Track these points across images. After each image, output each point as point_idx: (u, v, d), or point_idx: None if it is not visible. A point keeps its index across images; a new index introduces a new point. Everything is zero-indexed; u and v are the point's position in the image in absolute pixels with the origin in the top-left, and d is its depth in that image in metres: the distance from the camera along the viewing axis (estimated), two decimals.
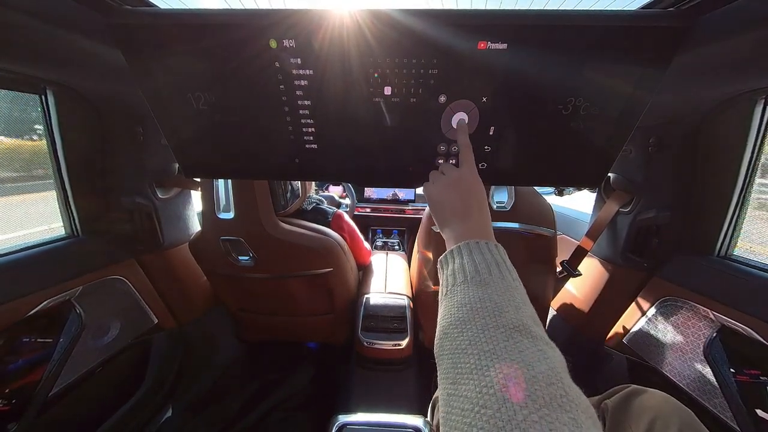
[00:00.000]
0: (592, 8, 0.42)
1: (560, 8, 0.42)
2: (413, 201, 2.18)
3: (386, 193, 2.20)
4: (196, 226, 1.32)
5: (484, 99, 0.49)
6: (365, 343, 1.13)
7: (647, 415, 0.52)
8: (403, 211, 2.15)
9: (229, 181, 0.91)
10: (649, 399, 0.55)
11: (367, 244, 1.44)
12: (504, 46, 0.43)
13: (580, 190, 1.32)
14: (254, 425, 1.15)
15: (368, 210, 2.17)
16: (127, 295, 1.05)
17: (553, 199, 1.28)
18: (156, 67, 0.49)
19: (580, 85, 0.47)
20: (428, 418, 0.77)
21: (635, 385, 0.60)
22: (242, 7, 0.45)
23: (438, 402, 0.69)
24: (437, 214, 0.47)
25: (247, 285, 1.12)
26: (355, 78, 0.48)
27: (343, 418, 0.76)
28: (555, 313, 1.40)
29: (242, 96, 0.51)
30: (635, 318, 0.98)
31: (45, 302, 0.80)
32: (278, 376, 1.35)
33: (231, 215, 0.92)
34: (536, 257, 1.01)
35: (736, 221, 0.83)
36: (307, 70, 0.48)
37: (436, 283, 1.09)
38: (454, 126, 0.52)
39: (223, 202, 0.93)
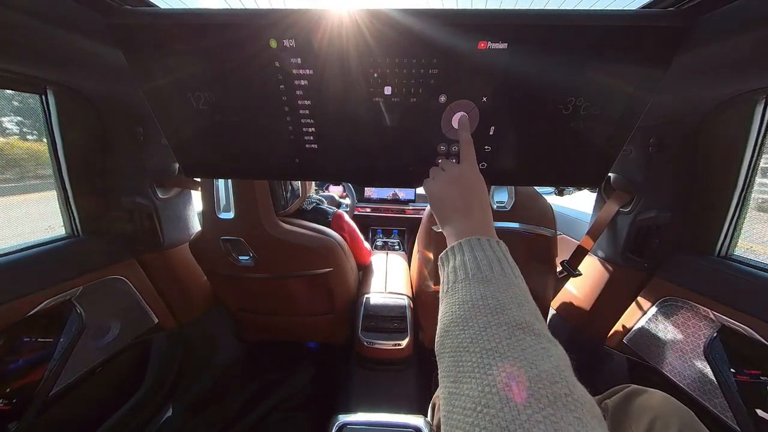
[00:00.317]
0: (592, 8, 0.42)
1: (560, 8, 0.42)
2: (413, 201, 2.18)
3: (386, 193, 2.20)
4: (196, 226, 1.32)
5: (485, 99, 0.49)
6: (365, 343, 1.13)
7: (647, 415, 0.52)
8: (403, 211, 2.15)
9: (229, 181, 0.91)
10: (649, 399, 0.55)
11: (367, 244, 1.44)
12: (504, 45, 0.43)
13: (580, 190, 1.32)
14: (254, 425, 1.15)
15: (368, 210, 2.17)
16: (128, 295, 1.05)
17: (553, 199, 1.28)
18: (156, 66, 0.49)
19: (581, 85, 0.47)
20: (428, 418, 0.77)
21: (635, 385, 0.60)
22: (242, 7, 0.45)
23: (438, 401, 0.70)
24: (438, 211, 0.47)
25: (247, 285, 1.12)
26: (355, 78, 0.48)
27: (343, 418, 0.76)
28: (555, 313, 1.40)
29: (242, 96, 0.51)
30: (635, 318, 0.98)
31: (45, 302, 0.80)
32: (278, 376, 1.35)
33: (231, 215, 0.92)
34: (536, 257, 1.01)
35: (737, 221, 0.83)
36: (307, 70, 0.48)
37: (437, 283, 1.10)
38: (455, 126, 0.52)
39: (223, 202, 0.93)
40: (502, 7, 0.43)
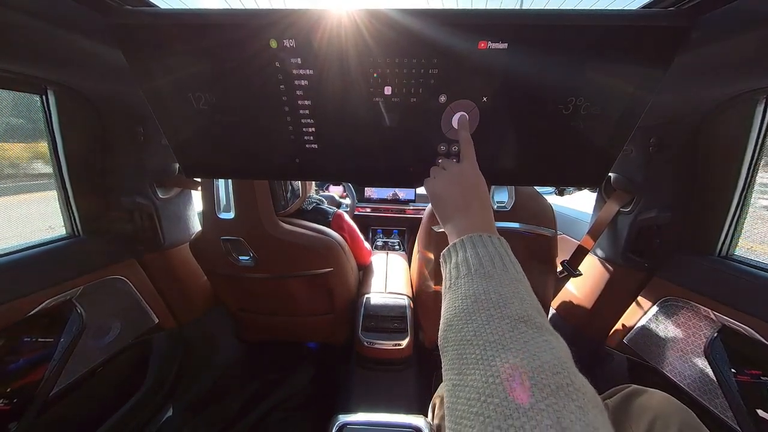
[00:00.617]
0: (593, 8, 0.42)
1: (560, 8, 0.42)
2: (413, 201, 2.18)
3: (386, 193, 2.20)
4: (196, 226, 1.32)
5: (485, 99, 0.49)
6: (365, 343, 1.13)
7: (647, 415, 0.52)
8: (403, 211, 2.15)
9: (230, 181, 0.91)
10: (650, 399, 0.55)
11: (367, 244, 1.44)
12: (504, 45, 0.43)
13: (580, 189, 1.32)
14: (254, 425, 1.15)
15: (368, 210, 2.17)
16: (128, 295, 1.05)
17: (553, 199, 1.28)
18: (156, 67, 0.49)
19: (581, 85, 0.46)
20: (428, 418, 0.77)
21: (636, 385, 0.60)
22: (242, 7, 0.45)
23: (437, 402, 0.70)
24: (439, 209, 0.47)
25: (248, 285, 1.12)
26: (356, 78, 0.48)
27: (343, 418, 0.76)
28: (555, 312, 1.40)
29: (242, 96, 0.51)
30: (636, 318, 0.98)
31: (46, 302, 0.80)
32: (278, 376, 1.34)
33: (231, 215, 0.93)
34: (536, 257, 1.01)
35: (737, 221, 0.83)
36: (308, 70, 0.48)
37: (437, 283, 1.10)
38: (455, 126, 0.52)
39: (223, 202, 0.93)
40: (502, 7, 0.43)
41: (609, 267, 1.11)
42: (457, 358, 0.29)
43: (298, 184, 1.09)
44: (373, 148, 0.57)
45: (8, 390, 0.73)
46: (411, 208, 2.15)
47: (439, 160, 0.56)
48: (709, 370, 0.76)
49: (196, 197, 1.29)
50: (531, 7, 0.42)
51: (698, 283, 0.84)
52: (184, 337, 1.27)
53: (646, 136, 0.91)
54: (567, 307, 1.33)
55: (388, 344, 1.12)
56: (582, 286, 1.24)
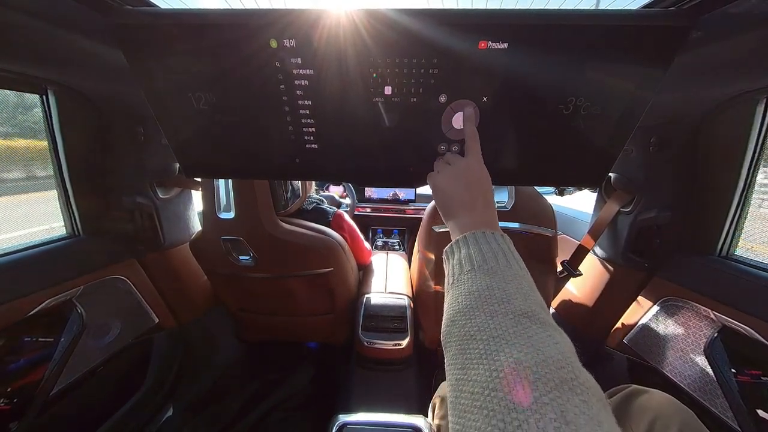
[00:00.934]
0: (593, 8, 0.42)
1: (561, 8, 0.42)
2: (413, 201, 2.18)
3: (386, 193, 2.20)
4: (196, 225, 1.32)
5: (485, 99, 0.49)
6: (365, 343, 1.13)
7: (648, 416, 0.52)
8: (403, 211, 2.15)
9: (230, 180, 0.91)
10: (650, 399, 0.55)
11: (367, 244, 1.44)
12: (504, 45, 0.43)
13: (580, 189, 1.32)
14: (254, 425, 1.15)
15: (368, 210, 2.17)
16: (128, 294, 1.05)
17: (553, 199, 1.28)
18: (157, 66, 0.49)
19: (581, 85, 0.46)
20: (428, 418, 0.77)
21: (636, 385, 0.60)
22: (243, 7, 0.45)
23: (437, 402, 0.70)
24: (442, 205, 0.46)
25: (248, 285, 1.12)
26: (356, 78, 0.48)
27: (343, 418, 0.76)
28: (555, 313, 1.40)
29: (243, 96, 0.51)
30: (636, 318, 0.98)
31: (46, 302, 0.80)
32: (278, 376, 1.35)
33: (231, 215, 0.93)
34: (537, 257, 1.01)
35: (737, 221, 0.83)
36: (308, 70, 0.48)
37: (437, 282, 1.10)
38: (455, 126, 0.52)
39: (223, 201, 0.93)
40: (502, 7, 0.43)
41: (609, 267, 1.11)
42: (460, 353, 0.29)
43: (298, 184, 1.09)
44: (373, 148, 0.57)
45: (8, 390, 0.73)
46: (411, 208, 2.15)
47: (443, 156, 0.56)
48: (709, 370, 0.76)
49: (196, 197, 1.29)
50: (531, 7, 0.42)
51: (698, 283, 0.84)
52: (184, 337, 1.27)
53: (647, 135, 0.91)
54: (567, 307, 1.33)
55: (388, 344, 1.12)
56: (582, 286, 1.23)
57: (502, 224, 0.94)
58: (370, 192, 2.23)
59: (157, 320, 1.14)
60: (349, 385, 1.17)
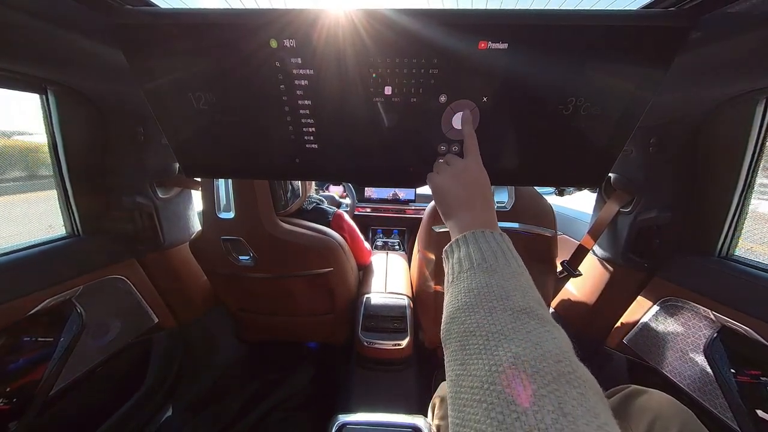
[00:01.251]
0: (593, 8, 0.42)
1: (561, 8, 0.42)
2: (413, 201, 2.18)
3: (386, 193, 2.20)
4: (196, 225, 1.32)
5: (485, 99, 0.49)
6: (365, 343, 1.13)
7: (647, 416, 0.52)
8: (403, 211, 2.15)
9: (230, 180, 0.91)
10: (650, 399, 0.55)
11: (367, 244, 1.44)
12: (504, 46, 0.43)
13: (580, 190, 1.32)
14: (254, 425, 1.15)
15: (368, 210, 2.17)
16: (128, 294, 1.05)
17: (553, 199, 1.28)
18: (157, 66, 0.49)
19: (581, 85, 0.46)
20: (428, 418, 0.77)
21: (635, 386, 0.60)
22: (243, 7, 0.45)
23: (436, 402, 0.70)
24: (442, 205, 0.47)
25: (248, 285, 1.12)
26: (356, 78, 0.48)
27: (343, 418, 0.76)
28: (555, 313, 1.40)
29: (243, 96, 0.51)
30: (636, 318, 0.98)
31: (46, 301, 0.80)
32: (278, 376, 1.35)
33: (231, 215, 0.93)
34: (536, 257, 1.01)
35: (737, 221, 0.83)
36: (308, 70, 0.48)
37: (437, 282, 1.10)
38: (455, 126, 0.52)
39: (223, 201, 0.93)
40: (502, 7, 0.43)
41: (609, 267, 1.11)
42: (460, 349, 0.29)
43: (298, 184, 1.09)
44: (374, 148, 0.57)
45: (8, 389, 0.73)
46: (411, 208, 2.15)
47: (440, 161, 0.56)
48: (708, 371, 0.76)
49: (196, 197, 1.29)
50: (531, 7, 0.42)
51: (698, 284, 0.84)
52: (184, 336, 1.27)
53: (647, 136, 0.91)
54: (567, 307, 1.33)
55: (388, 344, 1.12)
56: (582, 286, 1.24)
57: (502, 224, 0.95)
58: (370, 192, 2.23)
59: (156, 320, 1.14)
60: (349, 385, 1.17)
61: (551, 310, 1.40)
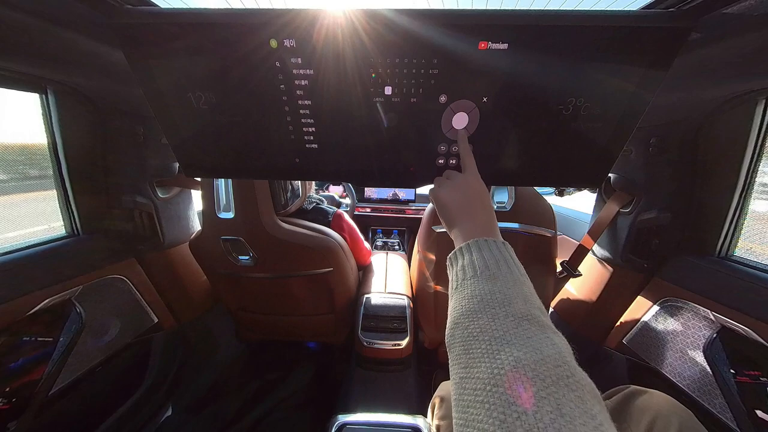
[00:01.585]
0: (593, 9, 0.42)
1: (561, 8, 0.42)
2: (413, 201, 2.18)
3: (386, 193, 2.20)
4: (196, 225, 1.32)
5: (485, 99, 0.49)
6: (365, 343, 1.13)
7: (647, 416, 0.52)
8: (403, 211, 2.15)
9: (229, 180, 0.91)
10: (649, 400, 0.55)
11: (367, 244, 1.44)
12: (505, 46, 0.43)
13: (580, 190, 1.32)
14: (254, 425, 1.15)
15: (368, 210, 2.17)
16: (128, 294, 1.05)
17: (553, 200, 1.28)
18: (157, 66, 0.49)
19: (581, 86, 0.47)
20: (427, 419, 0.77)
21: (635, 386, 0.60)
22: (243, 7, 0.45)
23: (436, 402, 0.70)
24: (445, 216, 0.49)
25: (247, 285, 1.12)
26: (356, 78, 0.48)
27: (343, 418, 0.76)
28: (555, 313, 1.40)
29: (243, 96, 0.51)
30: (635, 319, 0.98)
31: (45, 301, 0.80)
32: (278, 376, 1.35)
33: (231, 215, 0.93)
34: (536, 257, 1.01)
35: (737, 222, 0.83)
36: (308, 70, 0.48)
37: (437, 283, 1.10)
38: (455, 126, 0.52)
39: (223, 201, 0.93)
40: (502, 8, 0.43)
41: (609, 267, 1.11)
42: (463, 353, 0.30)
43: (298, 184, 1.09)
44: (373, 148, 0.57)
45: (7, 389, 0.73)
46: (411, 208, 2.15)
47: (440, 161, 0.57)
48: (708, 371, 0.76)
49: (196, 197, 1.29)
50: (531, 8, 0.42)
51: (698, 284, 0.84)
52: (183, 336, 1.27)
53: (646, 136, 0.91)
54: (567, 307, 1.33)
55: (387, 344, 1.12)
56: (582, 287, 1.24)
57: (502, 225, 0.95)
58: (370, 192, 2.23)
59: (156, 320, 1.14)
60: (348, 385, 1.17)
61: (551, 310, 1.40)
